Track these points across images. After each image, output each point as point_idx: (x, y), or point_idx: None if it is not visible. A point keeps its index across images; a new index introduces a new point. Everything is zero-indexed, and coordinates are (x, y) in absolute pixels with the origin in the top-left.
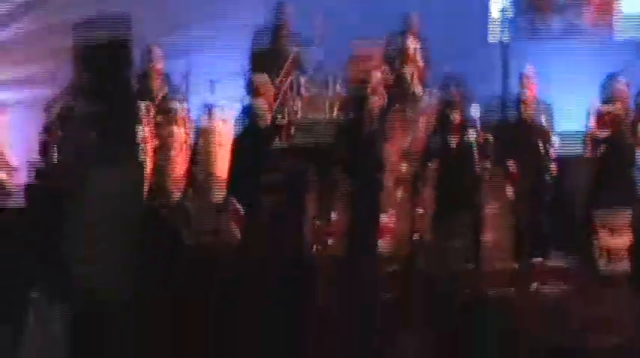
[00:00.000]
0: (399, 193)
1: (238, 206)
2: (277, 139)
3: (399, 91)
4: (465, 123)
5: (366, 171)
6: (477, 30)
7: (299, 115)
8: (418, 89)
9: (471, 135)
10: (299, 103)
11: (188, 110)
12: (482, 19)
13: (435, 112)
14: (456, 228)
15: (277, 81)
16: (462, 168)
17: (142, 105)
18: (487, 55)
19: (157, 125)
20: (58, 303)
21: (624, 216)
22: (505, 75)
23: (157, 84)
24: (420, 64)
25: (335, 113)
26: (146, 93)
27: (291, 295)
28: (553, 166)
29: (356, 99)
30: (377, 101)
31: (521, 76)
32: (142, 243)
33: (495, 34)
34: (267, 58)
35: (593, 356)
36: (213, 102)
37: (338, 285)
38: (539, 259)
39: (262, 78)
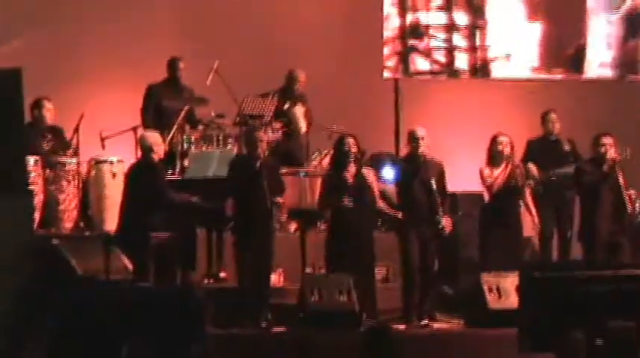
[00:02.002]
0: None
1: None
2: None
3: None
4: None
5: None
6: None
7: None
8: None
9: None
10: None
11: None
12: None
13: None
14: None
15: (168, 137)
16: (360, 203)
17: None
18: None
19: (49, 154)
20: None
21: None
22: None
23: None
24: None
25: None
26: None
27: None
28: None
29: (248, 133)
30: (269, 136)
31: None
32: (32, 271)
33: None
34: (161, 112)
35: None
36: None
37: None
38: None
39: (154, 135)
